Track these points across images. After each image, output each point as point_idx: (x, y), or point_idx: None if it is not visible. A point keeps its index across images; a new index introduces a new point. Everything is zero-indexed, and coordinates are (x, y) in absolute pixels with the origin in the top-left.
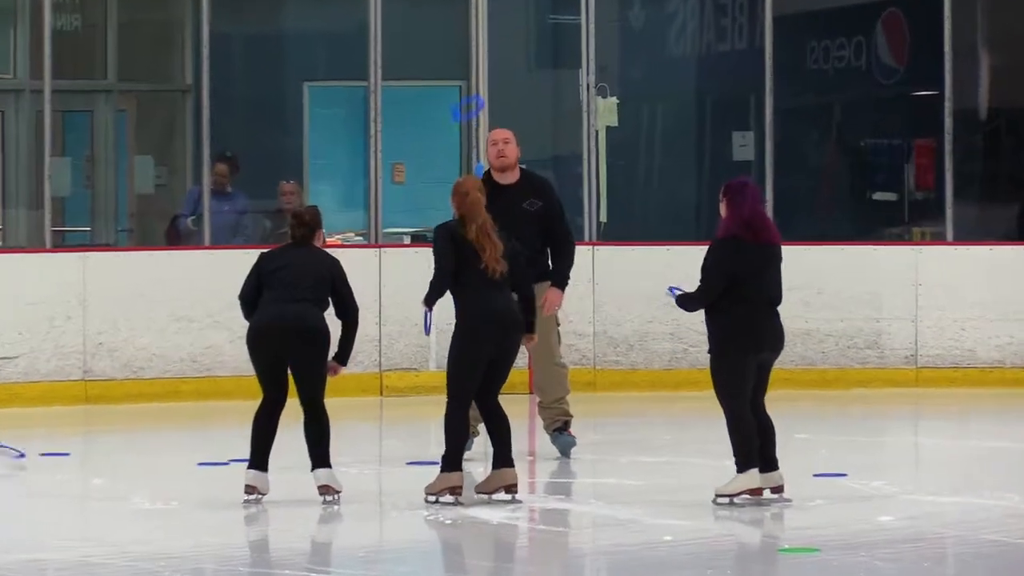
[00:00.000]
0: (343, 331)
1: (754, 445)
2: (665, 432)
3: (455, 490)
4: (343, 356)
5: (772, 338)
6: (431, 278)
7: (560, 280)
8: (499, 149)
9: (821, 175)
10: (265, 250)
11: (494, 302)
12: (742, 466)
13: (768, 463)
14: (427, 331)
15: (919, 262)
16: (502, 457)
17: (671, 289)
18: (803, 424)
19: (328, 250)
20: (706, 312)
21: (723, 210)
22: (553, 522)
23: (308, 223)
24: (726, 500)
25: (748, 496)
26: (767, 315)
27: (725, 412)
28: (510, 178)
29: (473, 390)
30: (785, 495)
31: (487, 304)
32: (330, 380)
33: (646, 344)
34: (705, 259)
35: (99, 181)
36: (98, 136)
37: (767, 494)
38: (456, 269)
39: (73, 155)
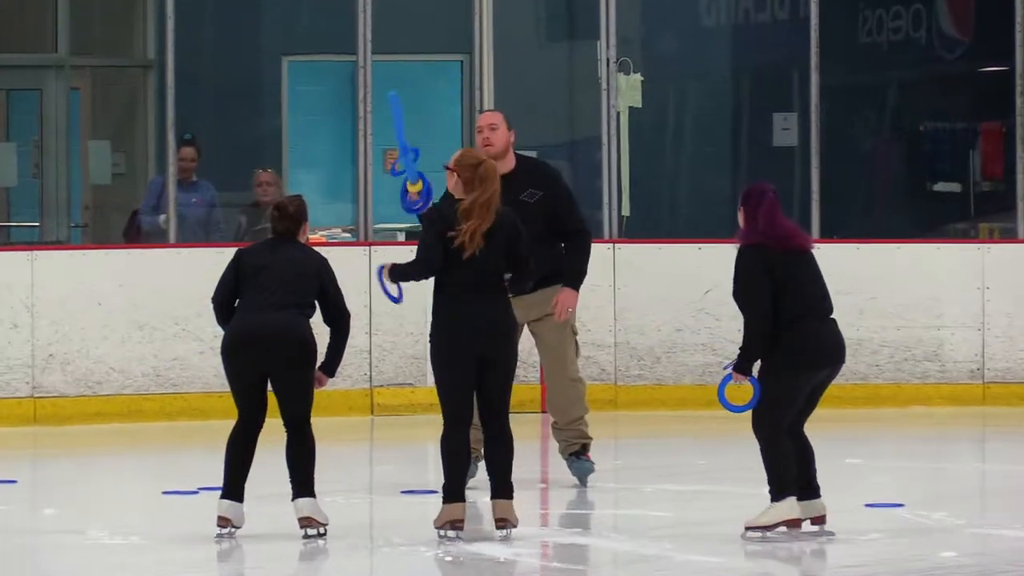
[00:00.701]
0: (332, 339)
1: (791, 470)
2: (696, 456)
3: (456, 524)
4: (330, 367)
5: (830, 351)
6: (414, 262)
7: (574, 278)
8: (484, 137)
9: (874, 163)
10: (243, 247)
11: (470, 305)
12: (777, 494)
13: (809, 490)
14: (396, 299)
15: (986, 262)
16: (496, 487)
17: (722, 389)
18: (854, 447)
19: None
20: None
21: (740, 219)
22: (569, 559)
23: (292, 215)
24: (758, 534)
25: (785, 529)
26: (820, 326)
27: (759, 434)
28: (503, 167)
29: (466, 408)
30: (828, 526)
31: (462, 308)
32: (316, 393)
33: (674, 356)
34: (735, 280)
35: (49, 170)
36: (48, 118)
37: (807, 525)
38: (444, 256)
39: (19, 140)
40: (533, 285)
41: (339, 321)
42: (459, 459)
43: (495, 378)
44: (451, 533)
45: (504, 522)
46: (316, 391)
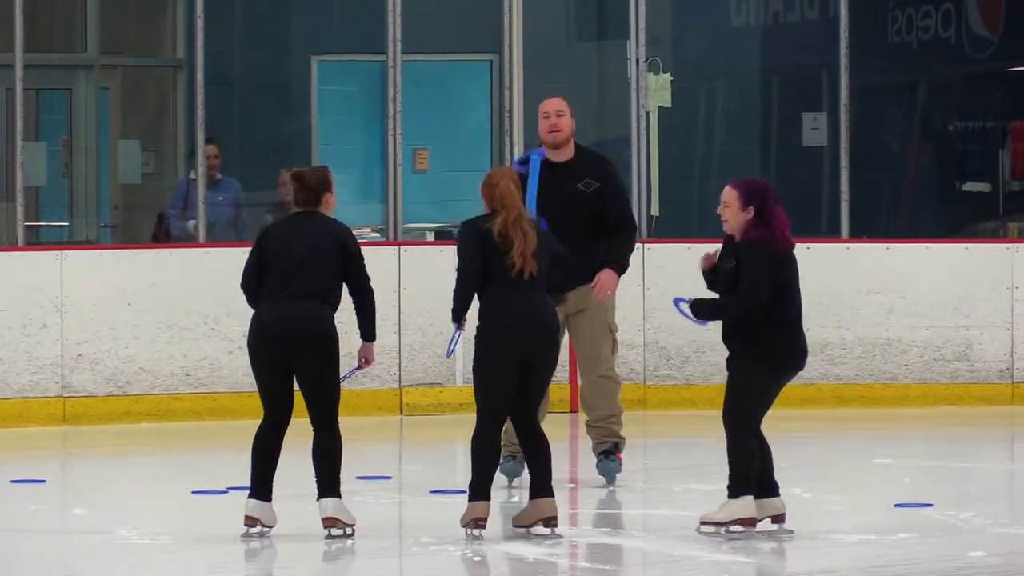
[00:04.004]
0: (360, 310)
1: (753, 470)
2: (725, 456)
3: (479, 522)
4: (369, 333)
5: (804, 357)
6: (454, 287)
7: (617, 261)
8: (552, 123)
9: (904, 163)
10: (266, 227)
11: (519, 304)
12: (738, 491)
13: (768, 488)
14: (449, 353)
15: (1015, 262)
16: (540, 486)
17: (677, 302)
18: (883, 447)
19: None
20: (734, 325)
21: (746, 216)
22: (598, 559)
23: (313, 186)
24: (712, 529)
25: (740, 527)
26: (799, 329)
27: (731, 430)
28: (563, 155)
29: (503, 407)
30: (787, 525)
31: (510, 307)
32: (345, 392)
33: (703, 356)
34: (735, 262)
35: (78, 169)
36: (77, 118)
37: (766, 524)
38: (483, 270)
39: (49, 139)
40: (574, 282)
41: (362, 293)
42: (489, 458)
43: (536, 379)
44: (475, 531)
45: (553, 520)
46: (360, 375)
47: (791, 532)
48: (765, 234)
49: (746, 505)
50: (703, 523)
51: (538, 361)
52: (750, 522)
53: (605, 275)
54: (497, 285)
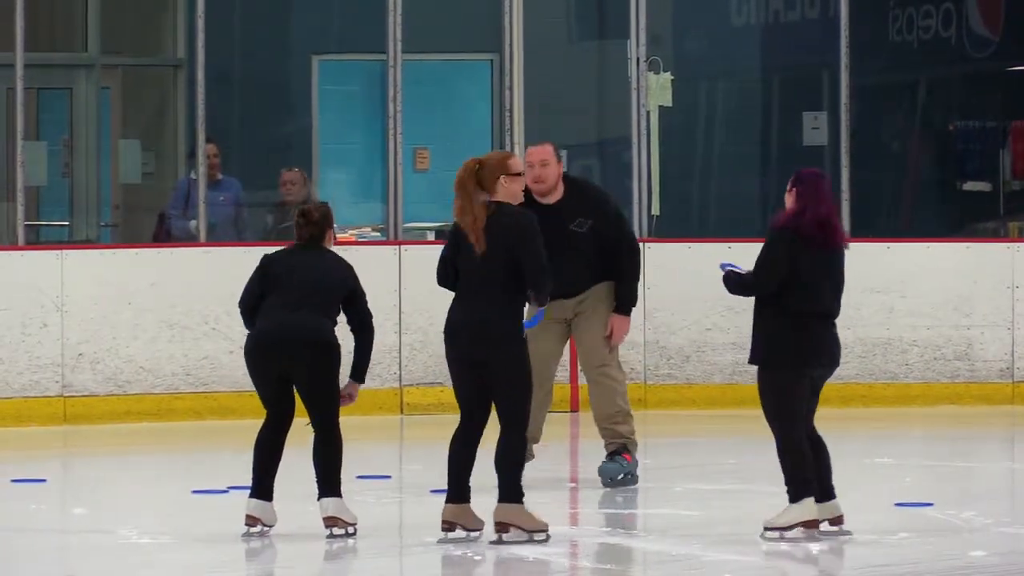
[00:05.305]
0: (358, 344)
1: (809, 470)
2: (726, 456)
3: (447, 524)
4: (359, 372)
5: (827, 353)
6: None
7: (624, 303)
8: (536, 173)
9: (904, 163)
10: (269, 253)
11: (467, 307)
12: (796, 495)
13: (825, 492)
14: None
15: (1016, 261)
16: (499, 490)
17: (723, 265)
18: (884, 446)
19: (341, 249)
20: (755, 318)
21: (789, 201)
22: (597, 558)
23: (317, 222)
24: (776, 534)
25: (803, 530)
26: (823, 327)
27: (775, 434)
28: (553, 197)
29: (472, 409)
30: (853, 525)
31: (456, 314)
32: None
33: (704, 355)
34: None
35: (79, 169)
36: (78, 117)
37: (825, 526)
38: (454, 263)
39: (49, 139)
40: (576, 290)
41: (364, 330)
42: (457, 460)
43: (494, 382)
44: (452, 534)
45: (499, 526)
46: (350, 404)
47: (850, 533)
48: (797, 221)
49: (807, 508)
50: (767, 528)
51: (487, 362)
52: (813, 524)
53: (615, 322)
54: (460, 282)
